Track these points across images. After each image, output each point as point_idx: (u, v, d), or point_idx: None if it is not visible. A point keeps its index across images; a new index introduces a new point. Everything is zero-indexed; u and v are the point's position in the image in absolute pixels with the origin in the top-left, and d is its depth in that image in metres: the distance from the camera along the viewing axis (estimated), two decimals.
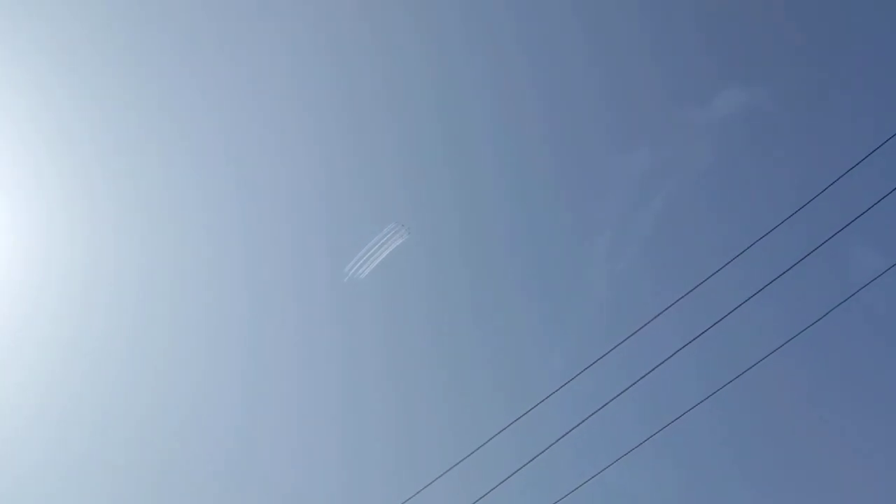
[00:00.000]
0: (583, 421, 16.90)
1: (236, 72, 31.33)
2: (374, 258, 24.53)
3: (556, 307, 28.75)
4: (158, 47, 31.30)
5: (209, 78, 31.30)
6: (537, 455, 17.30)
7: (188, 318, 31.41)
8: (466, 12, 30.49)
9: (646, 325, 16.78)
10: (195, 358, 31.23)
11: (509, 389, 28.35)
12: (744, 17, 28.31)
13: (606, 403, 16.95)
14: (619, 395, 16.88)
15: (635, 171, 27.85)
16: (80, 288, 31.71)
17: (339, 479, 29.49)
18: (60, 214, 31.31)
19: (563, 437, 16.75)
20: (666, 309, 16.88)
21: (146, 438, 30.61)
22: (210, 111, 31.35)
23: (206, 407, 30.90)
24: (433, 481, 17.88)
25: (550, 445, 16.98)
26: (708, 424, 24.84)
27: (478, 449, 17.58)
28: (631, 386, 16.85)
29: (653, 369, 17.05)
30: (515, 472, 17.45)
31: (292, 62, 31.36)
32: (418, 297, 30.22)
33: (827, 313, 16.24)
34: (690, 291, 16.84)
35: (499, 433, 17.47)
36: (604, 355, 16.98)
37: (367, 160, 30.98)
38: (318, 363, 30.62)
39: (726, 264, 16.62)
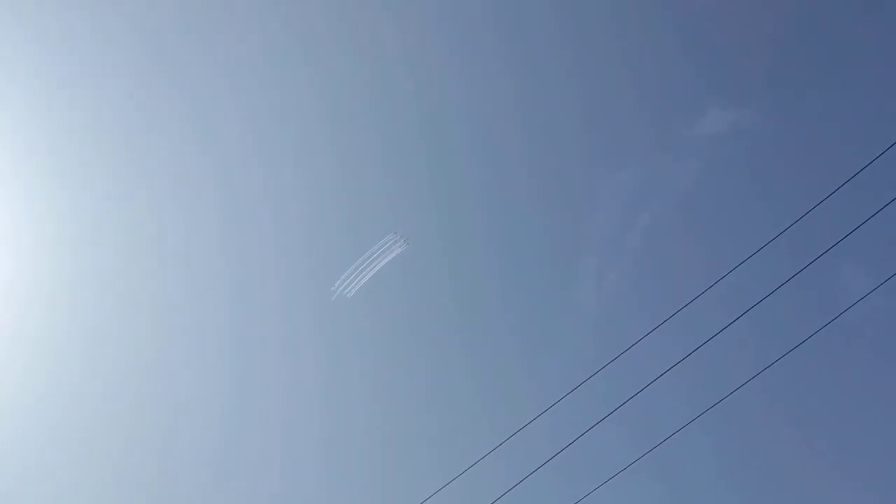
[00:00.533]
0: (572, 442, 16.93)
1: (225, 82, 31.34)
2: (366, 273, 24.55)
3: (545, 324, 28.79)
4: (144, 68, 31.32)
5: (199, 90, 31.31)
6: (527, 476, 17.32)
7: (174, 332, 31.31)
8: (457, 33, 30.61)
9: (633, 345, 16.86)
10: (182, 368, 31.12)
11: (497, 407, 28.34)
12: (730, 40, 28.54)
13: (595, 424, 16.92)
14: (607, 416, 16.83)
15: (623, 188, 28.00)
16: (63, 304, 31.62)
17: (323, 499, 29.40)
18: (46, 223, 31.29)
19: (552, 458, 16.78)
20: (654, 329, 16.94)
21: (130, 459, 30.47)
22: (200, 121, 31.34)
23: (194, 417, 30.75)
24: (423, 502, 17.88)
25: (540, 466, 17.01)
26: (696, 443, 24.89)
27: (469, 468, 17.58)
28: (619, 407, 16.80)
29: (640, 390, 16.92)
30: (506, 491, 17.46)
31: (283, 76, 31.38)
32: (406, 314, 30.19)
33: (814, 333, 16.26)
34: (678, 312, 16.90)
35: (488, 454, 17.49)
36: (591, 376, 17.03)
37: (356, 178, 30.99)
38: (305, 381, 30.54)
39: (713, 284, 16.72)
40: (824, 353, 24.14)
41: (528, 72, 30.11)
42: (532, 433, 17.77)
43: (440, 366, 29.79)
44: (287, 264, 30.83)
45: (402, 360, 29.55)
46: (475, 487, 18.26)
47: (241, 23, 31.16)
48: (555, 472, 17.53)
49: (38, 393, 31.29)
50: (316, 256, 30.50)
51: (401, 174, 30.62)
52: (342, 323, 29.77)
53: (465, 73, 30.64)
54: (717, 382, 18.98)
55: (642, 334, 17.23)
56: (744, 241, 24.82)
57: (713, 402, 16.83)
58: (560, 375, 27.04)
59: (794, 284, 16.51)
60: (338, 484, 28.97)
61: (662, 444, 16.83)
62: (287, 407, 30.10)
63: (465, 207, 30.55)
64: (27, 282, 31.52)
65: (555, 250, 29.40)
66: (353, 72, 30.97)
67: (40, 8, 30.99)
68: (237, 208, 31.45)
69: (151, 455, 30.26)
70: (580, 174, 29.16)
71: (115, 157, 31.25)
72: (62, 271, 31.53)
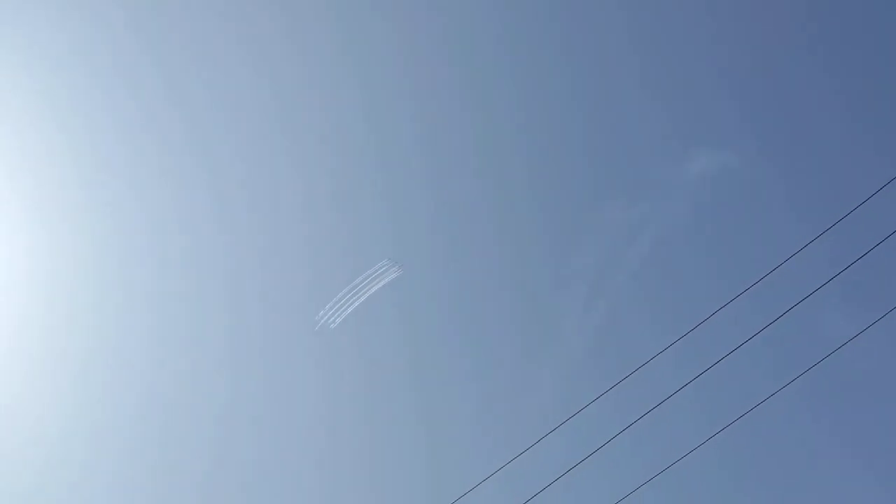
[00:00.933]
0: (558, 478, 16.94)
1: (212, 98, 31.35)
2: (352, 302, 24.42)
3: (531, 359, 28.79)
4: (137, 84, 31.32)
5: (182, 113, 31.32)
6: None
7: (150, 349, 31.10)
8: (447, 77, 30.78)
9: (618, 383, 16.94)
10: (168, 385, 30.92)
11: (485, 442, 28.25)
12: (718, 82, 28.86)
13: (582, 461, 16.88)
14: (592, 453, 16.81)
15: (612, 225, 28.15)
16: (48, 323, 31.48)
17: None
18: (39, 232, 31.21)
19: (538, 493, 16.78)
20: (639, 368, 17.03)
21: (114, 480, 30.25)
22: (187, 138, 31.33)
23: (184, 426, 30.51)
24: None
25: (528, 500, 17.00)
26: (679, 484, 24.90)
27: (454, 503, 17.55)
28: (605, 444, 16.83)
29: (624, 429, 16.95)
30: None
31: (273, 93, 31.44)
32: (393, 348, 30.12)
33: (797, 377, 16.33)
34: (664, 350, 17.00)
35: (474, 488, 17.46)
36: (574, 414, 17.08)
37: (345, 204, 30.96)
38: (284, 413, 30.32)
39: (698, 325, 16.83)
40: (807, 396, 24.26)
41: (519, 106, 30.31)
42: (516, 470, 17.78)
43: (423, 401, 29.72)
44: (270, 291, 30.71)
45: (389, 395, 29.46)
46: None
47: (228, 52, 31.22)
48: None
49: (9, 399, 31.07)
50: (300, 283, 30.42)
51: (390, 203, 30.65)
52: (323, 354, 29.66)
53: (456, 108, 30.80)
54: (699, 425, 19.05)
55: (626, 373, 17.30)
56: (729, 283, 24.98)
57: (695, 445, 16.86)
58: (545, 411, 27.03)
59: (778, 327, 16.63)
60: None
61: (638, 488, 16.84)
62: (263, 442, 29.87)
63: (453, 239, 30.63)
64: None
65: (540, 286, 29.46)
66: (345, 97, 31.07)
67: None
68: (219, 230, 31.38)
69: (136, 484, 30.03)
70: (569, 209, 29.29)
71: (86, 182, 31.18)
72: (31, 284, 31.39)
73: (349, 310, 24.62)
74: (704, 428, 17.23)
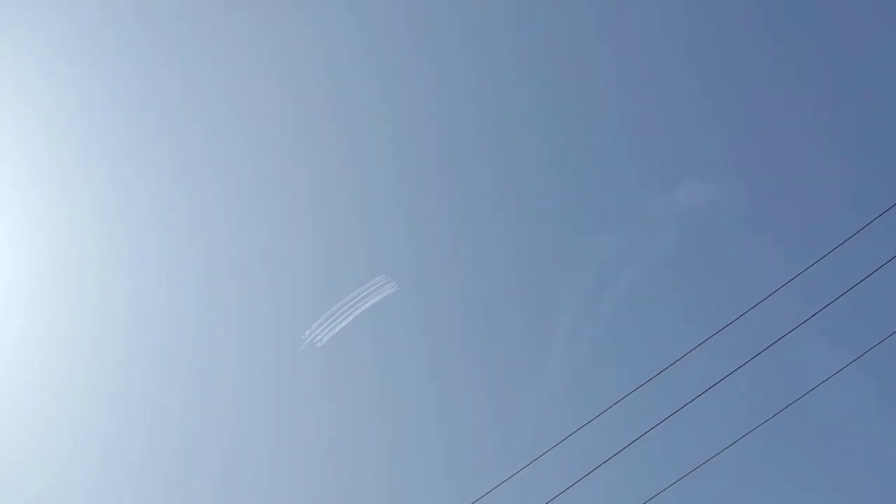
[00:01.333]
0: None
1: (195, 109, 31.24)
2: (341, 320, 24.26)
3: (514, 387, 28.75)
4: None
5: (163, 126, 31.21)
6: None
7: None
8: (432, 103, 30.86)
9: (602, 413, 16.93)
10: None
11: (463, 476, 28.14)
12: (709, 111, 29.00)
13: (562, 492, 16.88)
14: (573, 484, 16.80)
15: (597, 256, 28.22)
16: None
17: None
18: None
19: None
20: (624, 397, 17.04)
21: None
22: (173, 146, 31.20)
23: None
24: None
25: None
26: None
27: None
28: (585, 476, 16.89)
29: (607, 460, 17.13)
30: None
31: (263, 100, 31.39)
32: (367, 378, 29.96)
33: (779, 411, 16.40)
34: (648, 381, 17.02)
35: None
36: (558, 442, 17.06)
37: (334, 221, 30.86)
38: (264, 434, 30.09)
39: (684, 355, 16.87)
40: (791, 431, 24.28)
41: (502, 135, 30.42)
42: (499, 498, 17.70)
43: (404, 428, 29.59)
44: (255, 307, 30.52)
45: (365, 418, 29.30)
46: None
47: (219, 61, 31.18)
48: None
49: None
50: (287, 300, 30.25)
51: (375, 227, 30.63)
52: (306, 375, 29.45)
53: (443, 133, 30.88)
54: (685, 456, 19.06)
55: (612, 402, 17.28)
56: (716, 315, 25.01)
57: (681, 475, 16.96)
58: (528, 440, 26.97)
59: (762, 360, 16.68)
60: None
61: None
62: (237, 466, 29.64)
63: (433, 268, 30.62)
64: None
65: (526, 314, 29.46)
66: (342, 104, 31.02)
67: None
68: (202, 241, 31.24)
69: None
70: (554, 239, 29.35)
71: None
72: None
73: (337, 328, 24.48)
74: (690, 457, 17.20)
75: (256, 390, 29.48)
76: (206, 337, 30.15)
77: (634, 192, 28.78)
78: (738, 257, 27.55)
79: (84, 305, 31.09)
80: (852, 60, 27.18)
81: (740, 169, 28.07)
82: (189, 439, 29.60)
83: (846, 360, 16.52)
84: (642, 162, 28.90)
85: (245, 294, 30.05)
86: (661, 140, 29.06)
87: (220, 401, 29.61)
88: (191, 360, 30.27)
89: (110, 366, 30.74)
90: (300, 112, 31.06)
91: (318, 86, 30.98)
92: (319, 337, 24.63)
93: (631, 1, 29.80)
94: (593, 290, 27.67)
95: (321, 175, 30.77)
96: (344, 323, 24.60)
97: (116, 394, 30.56)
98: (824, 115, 27.47)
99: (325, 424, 29.12)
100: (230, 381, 29.88)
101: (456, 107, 30.80)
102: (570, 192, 29.28)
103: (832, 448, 25.28)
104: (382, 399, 29.40)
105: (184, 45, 31.00)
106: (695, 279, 27.92)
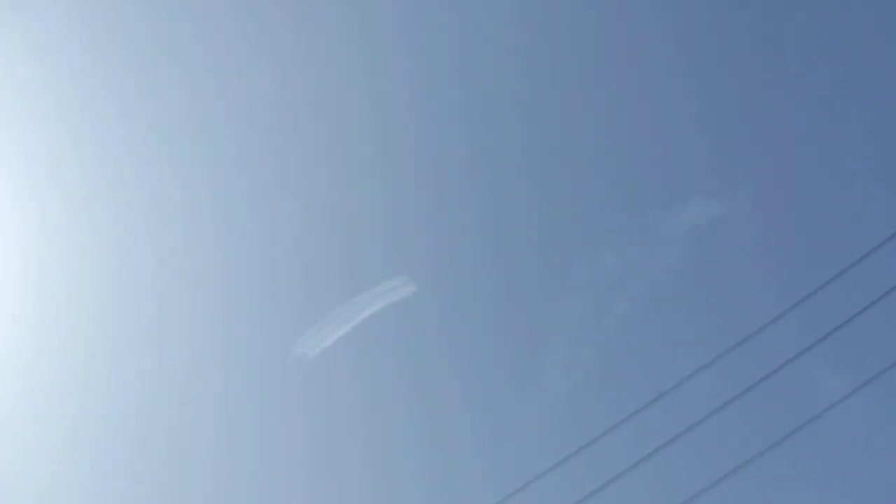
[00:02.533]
0: None
1: (197, 99, 31.04)
2: (336, 330, 23.86)
3: (509, 408, 28.48)
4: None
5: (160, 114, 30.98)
6: None
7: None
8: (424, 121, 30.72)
9: (599, 437, 16.69)
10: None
11: (458, 495, 27.87)
12: (713, 127, 28.77)
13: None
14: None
15: (598, 275, 27.95)
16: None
17: None
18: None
19: None
20: (622, 421, 16.81)
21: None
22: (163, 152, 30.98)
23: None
24: None
25: None
26: None
27: None
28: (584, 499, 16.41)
29: (603, 485, 17.14)
30: None
31: (268, 94, 31.17)
32: (360, 395, 29.60)
33: (786, 437, 16.15)
34: (650, 404, 16.81)
35: None
36: (554, 465, 16.85)
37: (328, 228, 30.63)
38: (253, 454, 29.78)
39: (685, 379, 16.64)
40: (798, 456, 24.01)
41: (497, 145, 30.23)
42: None
43: (394, 449, 29.29)
44: (243, 315, 30.15)
45: (352, 435, 28.95)
46: None
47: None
48: None
49: None
50: (278, 309, 29.89)
51: (365, 237, 30.31)
52: (296, 388, 29.03)
53: (441, 145, 30.71)
54: (687, 480, 18.80)
55: (612, 424, 17.11)
56: (721, 336, 24.73)
57: (682, 500, 16.79)
58: (524, 463, 26.65)
59: (769, 384, 16.42)
60: None
61: None
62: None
63: (428, 280, 30.36)
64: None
65: (523, 333, 29.18)
66: (343, 105, 30.78)
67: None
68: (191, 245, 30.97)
69: None
70: (551, 257, 29.09)
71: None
72: None
73: (329, 340, 24.08)
74: (691, 482, 16.91)
75: (244, 403, 29.20)
76: (196, 343, 29.89)
77: (637, 210, 28.54)
78: (745, 277, 27.25)
79: (69, 308, 30.88)
80: (868, 72, 26.98)
81: (748, 185, 27.82)
82: (178, 447, 29.32)
83: (853, 385, 16.24)
84: (645, 179, 28.65)
85: (235, 302, 29.82)
86: (664, 154, 28.84)
87: (210, 410, 29.34)
88: (180, 364, 30.05)
89: (96, 369, 30.49)
90: (292, 111, 30.89)
91: (314, 81, 30.81)
92: (310, 349, 24.32)
93: (635, 9, 29.62)
94: (592, 311, 27.40)
95: (311, 183, 30.57)
96: (336, 335, 24.26)
97: (103, 400, 30.29)
98: (839, 130, 27.21)
99: (312, 437, 28.86)
100: (220, 390, 29.60)
101: (450, 118, 30.55)
102: (569, 207, 29.02)
103: (836, 474, 25.01)
104: (370, 416, 29.09)
105: (177, 39, 30.95)
106: (698, 300, 27.63)
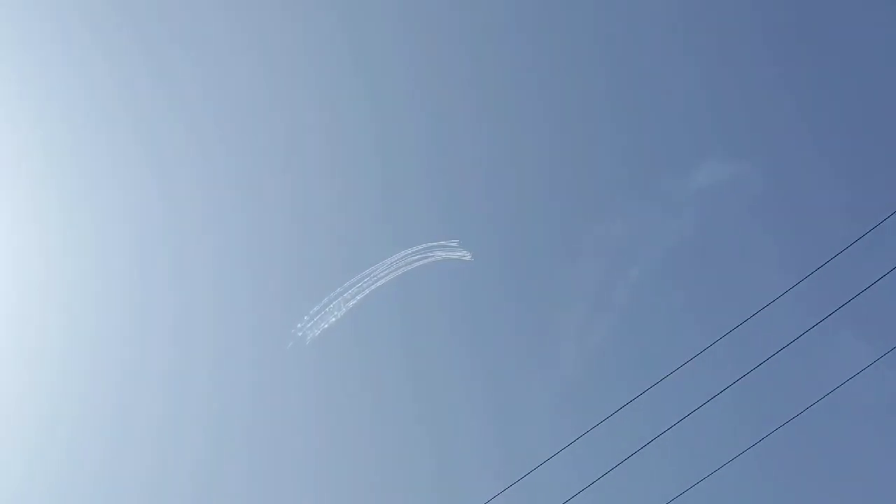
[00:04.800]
0: None
1: (203, 88, 30.80)
2: (338, 311, 23.52)
3: (523, 382, 28.26)
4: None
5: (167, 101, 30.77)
6: None
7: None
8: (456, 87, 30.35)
9: (616, 412, 16.48)
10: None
11: (471, 472, 27.71)
12: (728, 90, 28.43)
13: (574, 496, 16.35)
14: (586, 488, 16.33)
15: (612, 241, 27.68)
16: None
17: None
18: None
19: None
20: (638, 396, 16.57)
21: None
22: (173, 135, 30.78)
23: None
24: None
25: None
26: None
27: None
28: (600, 479, 16.40)
29: (623, 461, 16.61)
30: None
31: (270, 81, 30.91)
32: (362, 374, 29.42)
33: (812, 405, 15.90)
34: (665, 378, 16.56)
35: None
36: (569, 444, 16.65)
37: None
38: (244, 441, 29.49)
39: (703, 350, 16.37)
40: (820, 424, 23.82)
41: (514, 116, 29.88)
42: (508, 499, 17.31)
43: (408, 424, 29.13)
44: (241, 301, 29.95)
45: (358, 416, 28.77)
46: None
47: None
48: None
49: None
50: (275, 293, 29.64)
51: (370, 215, 30.04)
52: (290, 377, 28.78)
53: (465, 103, 30.34)
54: (706, 453, 18.57)
55: (626, 398, 16.88)
56: (737, 304, 24.50)
57: (702, 475, 16.40)
58: (536, 438, 26.50)
59: (790, 352, 16.16)
60: None
61: None
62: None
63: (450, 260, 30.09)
64: None
65: (536, 303, 28.96)
66: (344, 95, 30.51)
67: None
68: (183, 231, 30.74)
69: None
70: (567, 224, 28.83)
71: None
72: None
73: (332, 321, 23.81)
74: (714, 457, 16.72)
75: (240, 387, 29.02)
76: (190, 332, 29.73)
77: (650, 175, 28.22)
78: (760, 242, 26.94)
79: (77, 298, 30.81)
80: (878, 39, 26.65)
81: (761, 149, 27.47)
82: (170, 435, 29.21)
83: (876, 353, 15.99)
84: (658, 143, 28.33)
85: (231, 289, 29.61)
86: (676, 120, 28.50)
87: (203, 396, 29.21)
88: (175, 354, 29.91)
89: (95, 358, 30.40)
90: (286, 105, 30.63)
91: (305, 77, 30.55)
92: (311, 331, 24.07)
93: None
94: (607, 277, 27.14)
95: (306, 167, 30.31)
96: (335, 317, 23.97)
97: (98, 390, 30.21)
98: (852, 95, 26.88)
99: (316, 423, 28.70)
100: (214, 376, 29.43)
101: (461, 87, 30.24)
102: (581, 175, 28.74)
103: (861, 438, 24.80)
104: (379, 396, 28.90)
105: (163, 41, 30.68)
106: (713, 266, 27.31)
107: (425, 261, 24.10)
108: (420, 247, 24.45)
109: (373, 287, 23.99)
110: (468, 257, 24.12)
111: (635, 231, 27.88)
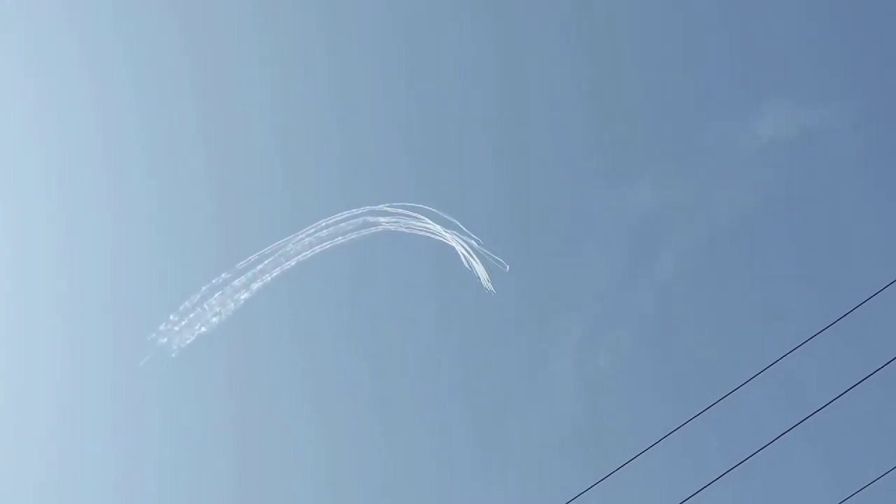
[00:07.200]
0: None
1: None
2: (217, 313, 19.22)
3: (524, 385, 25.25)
4: None
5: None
6: None
7: None
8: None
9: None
10: None
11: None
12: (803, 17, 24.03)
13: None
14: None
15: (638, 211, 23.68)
16: None
17: None
18: None
19: None
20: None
21: None
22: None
23: None
24: None
25: None
26: None
27: None
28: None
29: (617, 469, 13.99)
30: None
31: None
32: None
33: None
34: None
35: None
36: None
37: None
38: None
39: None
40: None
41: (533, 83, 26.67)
42: None
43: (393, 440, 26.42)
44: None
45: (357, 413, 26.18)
46: None
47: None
48: None
49: None
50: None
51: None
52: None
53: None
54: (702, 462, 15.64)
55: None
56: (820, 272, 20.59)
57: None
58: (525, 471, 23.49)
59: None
60: None
61: None
62: None
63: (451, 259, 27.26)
64: None
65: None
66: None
67: None
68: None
69: None
70: (584, 191, 25.22)
71: None
72: None
73: (196, 335, 19.15)
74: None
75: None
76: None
77: (702, 123, 23.85)
78: (844, 201, 22.40)
79: None
80: None
81: (849, 89, 22.58)
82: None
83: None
84: (715, 83, 24.02)
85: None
86: (741, 54, 23.98)
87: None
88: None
89: None
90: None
91: None
92: (170, 346, 19.56)
93: None
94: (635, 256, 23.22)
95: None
96: (205, 327, 19.38)
97: None
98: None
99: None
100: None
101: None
102: (600, 138, 24.92)
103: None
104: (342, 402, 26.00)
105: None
106: (785, 233, 22.65)
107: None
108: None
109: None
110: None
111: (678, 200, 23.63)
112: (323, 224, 18.99)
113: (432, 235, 20.24)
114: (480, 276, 20.29)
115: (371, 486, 25.47)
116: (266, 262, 18.65)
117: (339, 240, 19.50)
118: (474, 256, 20.14)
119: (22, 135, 28.41)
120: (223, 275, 18.85)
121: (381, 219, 20.08)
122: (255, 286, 18.31)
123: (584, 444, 23.76)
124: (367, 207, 19.76)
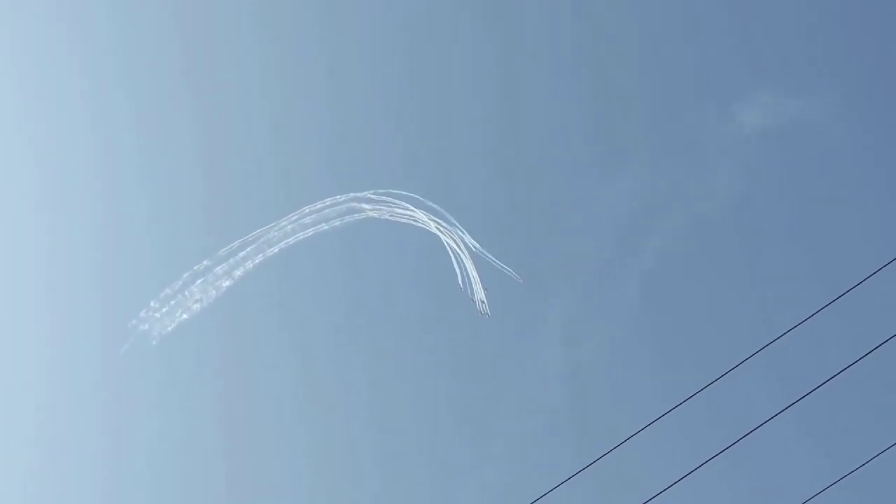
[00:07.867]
0: None
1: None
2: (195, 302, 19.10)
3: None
4: None
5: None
6: None
7: None
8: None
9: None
10: None
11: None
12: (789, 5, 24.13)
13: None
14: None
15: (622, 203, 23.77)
16: None
17: None
18: None
19: None
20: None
21: None
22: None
23: None
24: None
25: None
26: None
27: None
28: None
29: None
30: None
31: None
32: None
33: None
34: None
35: None
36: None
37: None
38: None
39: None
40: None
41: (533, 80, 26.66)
42: None
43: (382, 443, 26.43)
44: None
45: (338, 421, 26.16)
46: None
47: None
48: None
49: None
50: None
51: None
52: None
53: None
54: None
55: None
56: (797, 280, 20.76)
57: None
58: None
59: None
60: None
61: None
62: None
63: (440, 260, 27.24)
64: None
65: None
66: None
67: None
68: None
69: None
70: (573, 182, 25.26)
71: None
72: None
73: (177, 321, 19.23)
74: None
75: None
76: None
77: (686, 113, 24.03)
78: (829, 191, 22.61)
79: None
80: None
81: (834, 78, 22.80)
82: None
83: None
84: (698, 72, 24.20)
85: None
86: (726, 44, 24.16)
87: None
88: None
89: None
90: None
91: None
92: (155, 329, 19.57)
93: None
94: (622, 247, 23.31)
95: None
96: (186, 314, 19.36)
97: None
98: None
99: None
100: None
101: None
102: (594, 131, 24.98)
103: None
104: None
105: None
106: (768, 224, 22.89)
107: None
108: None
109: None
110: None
111: (660, 189, 23.77)
112: (307, 210, 18.96)
113: (416, 223, 20.14)
114: (476, 299, 19.95)
115: (355, 473, 25.52)
116: (248, 249, 18.64)
117: (323, 227, 19.45)
118: (471, 273, 19.85)
119: (1, 119, 28.23)
120: (205, 262, 18.79)
121: (366, 206, 20.04)
122: (237, 273, 18.31)
123: (569, 431, 23.77)
124: (352, 194, 19.74)
